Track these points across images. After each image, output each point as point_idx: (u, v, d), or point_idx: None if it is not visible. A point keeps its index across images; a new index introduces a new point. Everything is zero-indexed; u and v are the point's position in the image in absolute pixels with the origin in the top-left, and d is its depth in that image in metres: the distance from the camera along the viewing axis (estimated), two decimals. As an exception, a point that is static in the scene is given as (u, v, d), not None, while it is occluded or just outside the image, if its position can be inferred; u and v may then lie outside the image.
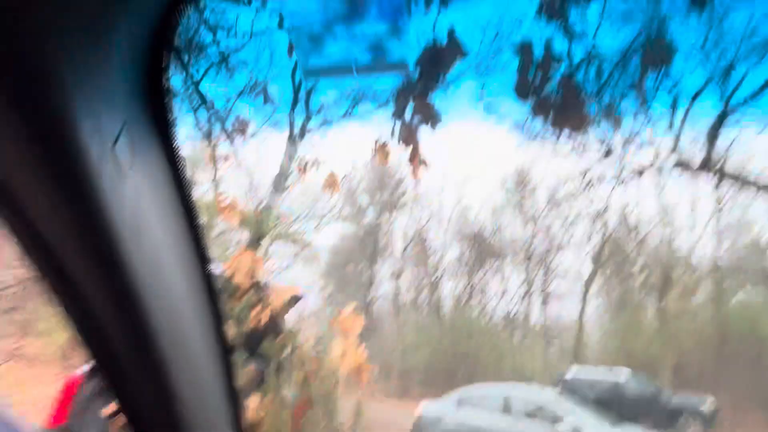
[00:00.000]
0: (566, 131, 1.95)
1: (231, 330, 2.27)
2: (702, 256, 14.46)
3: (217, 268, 3.56)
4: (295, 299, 3.11)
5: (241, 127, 3.37)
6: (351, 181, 17.01)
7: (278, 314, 2.72)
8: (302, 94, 11.67)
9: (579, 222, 16.34)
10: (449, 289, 18.20)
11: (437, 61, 1.73)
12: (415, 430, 7.19)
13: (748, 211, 13.63)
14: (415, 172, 2.08)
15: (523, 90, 2.07)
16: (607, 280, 16.57)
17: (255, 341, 2.40)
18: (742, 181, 12.46)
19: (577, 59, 1.83)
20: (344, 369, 2.21)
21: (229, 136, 2.91)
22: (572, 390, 9.30)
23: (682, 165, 13.18)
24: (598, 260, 16.19)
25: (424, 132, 1.91)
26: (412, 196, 17.43)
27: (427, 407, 7.51)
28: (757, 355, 10.65)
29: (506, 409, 6.80)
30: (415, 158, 2.00)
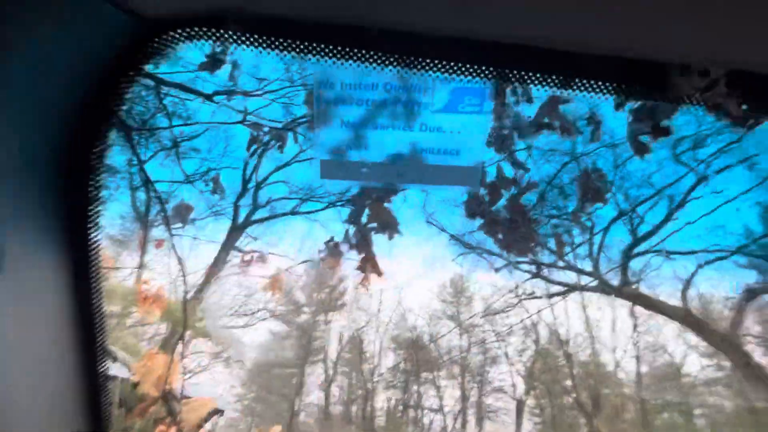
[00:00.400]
0: (508, 247, 2.03)
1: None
2: (627, 376, 15.01)
3: (120, 371, 3.03)
4: (211, 413, 2.65)
5: (182, 213, 3.19)
6: (290, 277, 16.44)
7: (190, 431, 2.27)
8: (251, 185, 11.72)
9: (512, 335, 16.66)
10: (383, 400, 17.00)
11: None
12: None
13: (661, 334, 14.70)
14: (365, 283, 2.00)
15: (472, 206, 2.16)
16: (540, 396, 16.47)
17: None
18: (652, 306, 13.67)
19: (523, 184, 1.99)
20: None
21: (167, 221, 2.72)
22: None
23: (602, 288, 14.35)
24: (531, 375, 16.23)
25: (380, 240, 1.90)
26: (351, 298, 17.05)
27: None
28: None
29: None
30: (366, 267, 1.94)
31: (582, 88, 1.14)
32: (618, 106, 1.50)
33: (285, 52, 1.10)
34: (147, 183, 2.42)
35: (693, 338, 13.64)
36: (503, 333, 16.66)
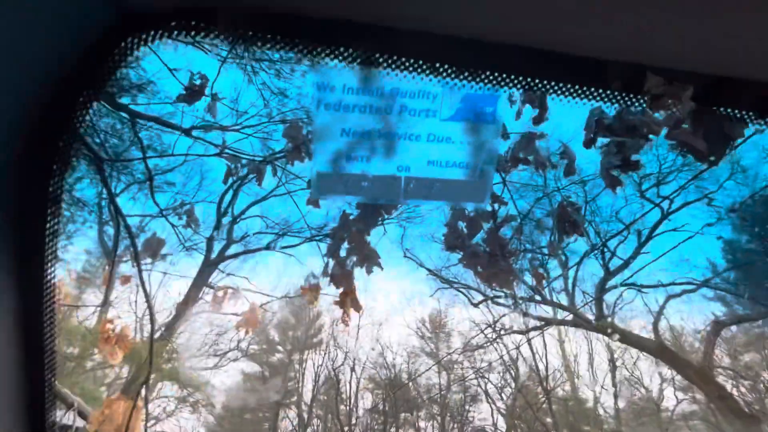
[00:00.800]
0: (488, 280, 2.03)
1: None
2: (606, 411, 14.92)
3: (77, 420, 2.79)
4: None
5: (153, 247, 3.06)
6: (264, 314, 15.91)
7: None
8: (226, 219, 11.50)
9: (492, 372, 16.45)
10: (360, 444, 16.18)
11: (382, 205, 1.77)
12: None
13: (636, 367, 14.81)
14: (345, 318, 1.94)
15: (451, 239, 2.16)
16: (522, 435, 16.09)
17: None
18: (626, 339, 13.84)
19: (500, 218, 2.01)
20: None
21: (136, 256, 2.61)
22: None
23: (578, 322, 14.49)
24: (511, 414, 15.91)
25: (358, 274, 1.86)
26: (328, 336, 16.56)
27: None
28: None
29: None
30: (346, 302, 1.89)
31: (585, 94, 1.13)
32: (587, 143, 1.56)
33: (276, 48, 1.02)
34: (117, 215, 2.32)
35: (667, 371, 13.80)
36: (483, 369, 16.44)
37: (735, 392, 12.65)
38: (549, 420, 14.92)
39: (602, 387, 14.94)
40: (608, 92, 1.08)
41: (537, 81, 1.08)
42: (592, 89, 1.09)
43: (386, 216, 1.81)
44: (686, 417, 14.21)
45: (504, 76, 1.09)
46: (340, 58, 1.04)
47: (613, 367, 14.83)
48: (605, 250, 10.96)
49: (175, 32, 0.90)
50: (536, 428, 15.60)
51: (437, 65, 1.08)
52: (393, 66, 1.07)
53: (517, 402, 15.98)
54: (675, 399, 14.33)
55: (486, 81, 1.11)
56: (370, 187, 1.39)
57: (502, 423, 16.12)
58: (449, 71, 1.09)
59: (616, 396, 14.77)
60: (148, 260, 3.07)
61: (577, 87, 1.09)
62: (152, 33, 0.86)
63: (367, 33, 0.97)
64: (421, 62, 1.07)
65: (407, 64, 1.07)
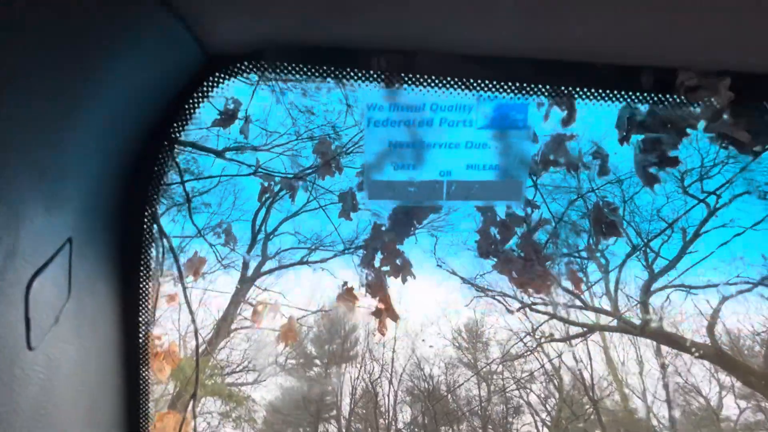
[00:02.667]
0: (523, 286, 1.99)
1: None
2: (660, 421, 14.07)
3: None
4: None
5: (195, 266, 3.20)
6: (301, 328, 16.12)
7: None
8: (260, 236, 11.81)
9: (533, 382, 15.91)
10: (401, 460, 15.97)
11: (412, 213, 1.79)
12: None
13: (691, 374, 13.94)
14: (382, 328, 1.95)
15: (484, 246, 2.15)
16: (570, 449, 15.37)
17: None
18: (678, 343, 13.07)
19: (534, 221, 1.98)
20: None
21: (180, 275, 2.73)
22: None
23: (623, 327, 13.84)
24: (557, 426, 15.27)
25: (393, 284, 1.87)
26: (364, 348, 16.56)
27: None
28: None
29: None
30: (382, 312, 1.90)
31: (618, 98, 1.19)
32: (622, 140, 1.53)
33: (335, 79, 1.16)
34: (162, 236, 2.46)
35: (726, 378, 12.89)
36: (524, 380, 15.92)
37: (805, 399, 11.66)
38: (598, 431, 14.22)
39: (654, 395, 14.12)
40: (637, 93, 1.11)
41: (563, 89, 1.15)
42: (621, 92, 1.13)
43: (417, 225, 1.83)
44: (751, 427, 13.18)
45: (532, 86, 1.19)
46: (372, 80, 1.17)
47: (665, 375, 14.00)
48: (648, 250, 10.45)
49: (251, 70, 1.01)
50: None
51: (469, 81, 1.21)
52: (430, 84, 1.22)
53: (563, 413, 15.32)
54: (737, 407, 13.34)
55: (514, 92, 1.21)
56: (416, 191, 1.58)
57: (547, 435, 15.50)
58: (481, 85, 1.21)
59: (669, 405, 13.91)
60: (190, 278, 3.20)
61: (603, 92, 1.13)
62: (231, 72, 0.97)
63: (402, 58, 1.11)
64: (453, 79, 1.21)
65: (441, 81, 1.22)
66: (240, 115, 2.93)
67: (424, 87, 1.22)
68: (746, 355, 12.32)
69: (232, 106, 2.89)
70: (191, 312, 2.58)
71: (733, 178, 8.23)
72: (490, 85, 1.21)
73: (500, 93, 1.22)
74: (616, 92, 1.16)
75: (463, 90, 1.22)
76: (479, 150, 1.49)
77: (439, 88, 1.23)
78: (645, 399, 14.34)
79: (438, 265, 10.33)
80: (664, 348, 13.50)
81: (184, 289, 2.50)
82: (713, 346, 12.09)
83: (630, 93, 1.15)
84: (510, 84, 1.19)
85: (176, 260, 2.83)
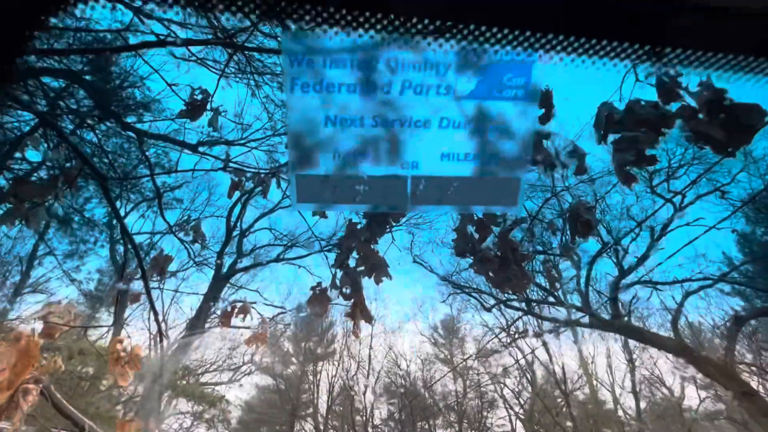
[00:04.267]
0: (500, 285, 1.98)
1: None
2: (626, 412, 14.58)
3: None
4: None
5: (161, 264, 3.06)
6: (276, 327, 15.90)
7: None
8: (235, 233, 11.54)
9: (507, 377, 16.24)
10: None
11: (387, 214, 1.73)
12: None
13: (656, 367, 14.48)
14: (356, 331, 1.89)
15: (461, 245, 2.11)
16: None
17: None
18: (644, 338, 13.57)
19: (510, 220, 1.96)
20: None
21: (143, 274, 2.60)
22: None
23: (593, 323, 14.25)
24: (530, 418, 15.63)
25: (367, 284, 1.81)
26: (341, 346, 16.49)
27: None
28: None
29: None
30: (356, 313, 1.84)
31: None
32: (599, 140, 1.52)
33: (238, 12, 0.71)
34: (124, 235, 2.31)
35: (688, 369, 13.45)
36: (498, 375, 16.21)
37: (761, 389, 12.28)
38: (569, 424, 14.61)
39: (621, 387, 14.62)
40: (642, 50, 0.82)
41: (566, 39, 0.76)
42: (626, 45, 0.78)
43: (394, 224, 1.77)
44: (711, 416, 13.82)
45: (527, 34, 0.75)
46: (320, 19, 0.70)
47: (633, 368, 14.52)
48: (618, 248, 10.78)
49: None
50: (553, 427, 15.30)
51: (450, 23, 0.74)
52: (385, 27, 0.75)
53: (536, 406, 15.69)
54: (698, 397, 13.96)
55: (506, 42, 0.77)
56: (367, 191, 1.04)
57: (521, 428, 15.83)
58: (462, 31, 0.75)
59: (636, 397, 14.44)
60: (157, 277, 3.06)
61: (609, 43, 0.77)
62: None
63: None
64: (426, 19, 0.73)
65: (403, 23, 0.72)
66: (209, 107, 2.81)
67: (379, 31, 0.74)
68: (707, 347, 12.91)
69: (199, 97, 2.76)
70: (155, 311, 2.46)
71: (698, 179, 8.55)
72: (483, 33, 0.75)
73: (497, 44, 0.75)
74: (620, 46, 0.77)
75: (440, 38, 0.76)
76: (461, 131, 0.94)
77: (404, 34, 0.75)
78: (613, 391, 14.84)
79: (414, 262, 10.35)
80: (632, 342, 14.00)
81: (148, 287, 2.37)
82: (677, 339, 12.59)
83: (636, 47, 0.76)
84: (502, 29, 0.74)
85: (138, 258, 2.70)
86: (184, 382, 11.91)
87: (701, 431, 14.00)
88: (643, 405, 14.52)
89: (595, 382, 15.02)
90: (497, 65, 0.91)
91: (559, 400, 15.14)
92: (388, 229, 1.77)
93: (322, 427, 16.11)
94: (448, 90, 0.91)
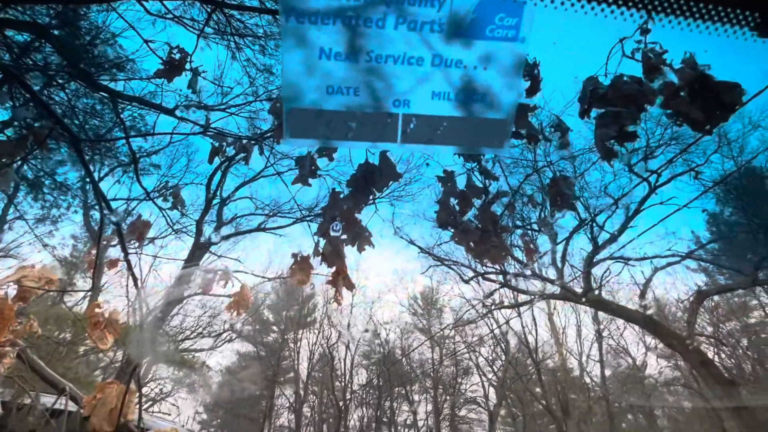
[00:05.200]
0: (480, 256, 2.03)
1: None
2: (592, 379, 15.40)
3: (67, 404, 2.78)
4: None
5: (138, 230, 3.00)
6: (257, 295, 15.98)
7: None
8: (216, 201, 11.35)
9: (482, 346, 16.87)
10: (357, 417, 16.67)
11: (371, 181, 1.72)
12: None
13: (623, 338, 15.23)
14: (338, 298, 1.92)
15: (444, 216, 2.14)
16: (512, 404, 16.65)
17: None
18: (612, 310, 14.21)
19: (492, 193, 1.99)
20: None
21: (121, 239, 2.55)
22: None
23: (566, 295, 14.78)
24: (502, 385, 16.38)
25: (350, 252, 1.82)
26: (321, 314, 16.72)
27: None
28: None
29: None
30: (338, 281, 1.86)
31: None
32: (582, 113, 1.53)
33: None
34: (99, 198, 2.23)
35: (651, 340, 14.22)
36: (474, 344, 16.82)
37: (716, 359, 13.12)
38: (538, 390, 15.39)
39: (588, 357, 15.38)
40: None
41: None
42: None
43: (377, 194, 1.78)
44: (669, 383, 14.76)
45: None
46: None
47: (600, 338, 15.24)
48: (594, 225, 11.09)
49: None
50: (526, 398, 16.13)
51: None
52: None
53: (508, 373, 16.43)
54: (658, 366, 14.83)
55: None
56: (358, 128, 1.03)
57: (492, 394, 16.60)
58: None
59: (602, 365, 15.23)
60: (135, 243, 3.00)
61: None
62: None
63: None
64: None
65: None
66: (187, 67, 2.69)
67: None
68: (670, 320, 13.63)
69: (177, 56, 2.64)
70: (134, 277, 2.43)
71: (674, 159, 8.75)
72: None
73: None
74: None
75: None
76: (451, 70, 0.95)
77: None
78: (581, 360, 15.62)
79: (395, 234, 10.44)
80: (602, 314, 14.65)
81: (126, 253, 2.33)
82: (643, 312, 13.23)
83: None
84: None
85: (115, 223, 2.63)
86: (164, 348, 11.95)
87: (659, 396, 14.99)
88: (608, 373, 15.38)
89: (564, 352, 15.76)
90: (489, 4, 0.92)
91: (530, 368, 15.88)
92: (372, 200, 1.77)
93: (302, 392, 16.54)
94: (441, 27, 0.90)
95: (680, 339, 12.42)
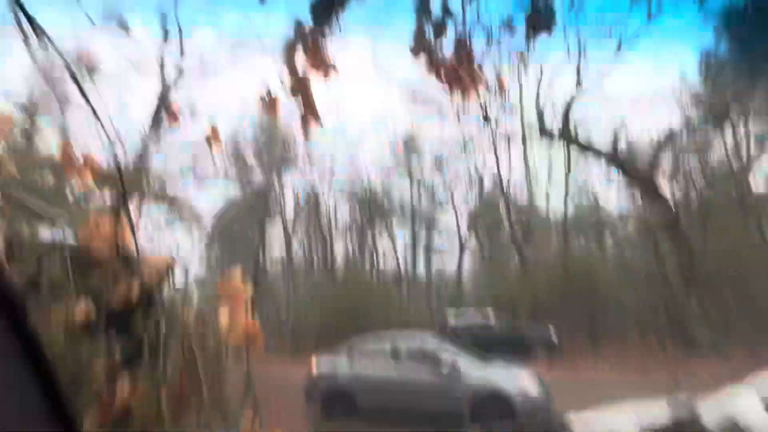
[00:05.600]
0: (453, 92, 1.98)
1: (88, 308, 1.91)
2: (555, 215, 16.96)
3: (66, 236, 2.97)
4: (170, 268, 2.74)
5: (90, 64, 2.75)
6: (236, 135, 15.81)
7: (151, 287, 2.37)
8: (174, 30, 10.13)
9: (459, 183, 17.86)
10: (341, 248, 18.55)
11: (332, 5, 1.55)
12: (309, 387, 7.28)
13: (589, 175, 16.21)
14: (306, 131, 1.91)
15: (417, 45, 2.02)
16: (481, 236, 18.63)
17: (123, 319, 2.07)
18: (585, 149, 14.78)
19: (469, 22, 1.83)
20: (233, 339, 2.03)
21: (75, 75, 2.35)
22: (451, 333, 10.45)
23: (543, 133, 15.07)
24: (474, 218, 17.99)
25: (317, 85, 1.74)
26: (303, 155, 16.92)
27: (320, 362, 7.62)
28: (590, 295, 13.13)
29: (395, 356, 7.28)
30: (307, 114, 1.83)
31: None
32: None
33: None
34: (38, 31, 1.94)
35: (616, 176, 15.17)
36: (451, 182, 17.75)
37: (672, 198, 14.30)
38: (506, 224, 16.99)
39: (556, 193, 16.57)
40: None
41: None
42: None
43: (341, 9, 1.61)
44: (623, 218, 16.37)
45: None
46: None
47: (567, 177, 16.16)
48: (581, 59, 10.63)
49: None
50: (493, 230, 17.98)
51: None
52: None
53: (480, 209, 17.88)
54: (617, 201, 16.18)
55: None
56: None
57: (464, 228, 18.30)
58: None
59: (566, 202, 16.54)
60: (92, 77, 2.78)
61: None
62: None
63: None
64: None
65: None
66: None
67: None
68: (639, 160, 14.31)
69: None
70: (96, 114, 2.32)
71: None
72: None
73: None
74: None
75: None
76: None
77: None
78: (548, 198, 16.88)
79: (375, 68, 9.86)
80: (574, 153, 15.25)
81: (80, 86, 2.16)
82: (614, 152, 13.82)
83: None
84: None
85: (64, 59, 2.37)
86: (151, 188, 12.29)
87: (612, 229, 16.87)
88: (571, 210, 16.84)
89: (535, 189, 16.89)
90: None
91: (501, 204, 17.21)
92: (336, 30, 1.61)
93: (290, 230, 17.94)
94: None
95: (640, 174, 13.33)
